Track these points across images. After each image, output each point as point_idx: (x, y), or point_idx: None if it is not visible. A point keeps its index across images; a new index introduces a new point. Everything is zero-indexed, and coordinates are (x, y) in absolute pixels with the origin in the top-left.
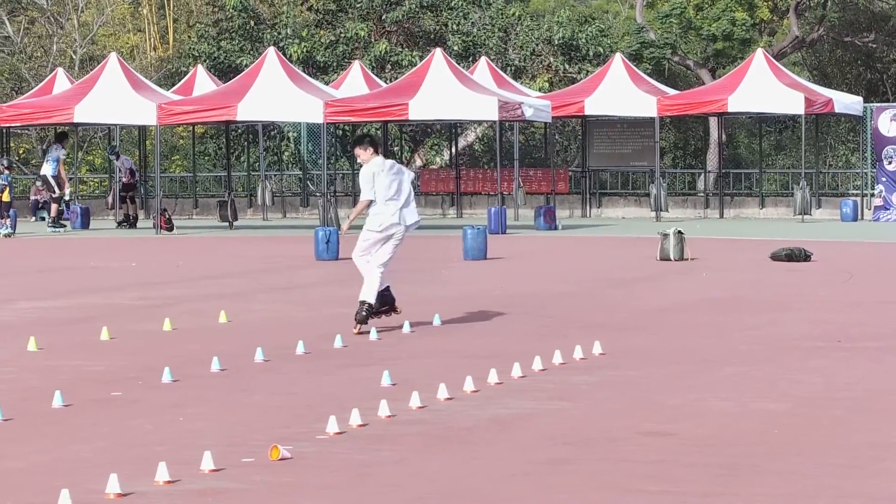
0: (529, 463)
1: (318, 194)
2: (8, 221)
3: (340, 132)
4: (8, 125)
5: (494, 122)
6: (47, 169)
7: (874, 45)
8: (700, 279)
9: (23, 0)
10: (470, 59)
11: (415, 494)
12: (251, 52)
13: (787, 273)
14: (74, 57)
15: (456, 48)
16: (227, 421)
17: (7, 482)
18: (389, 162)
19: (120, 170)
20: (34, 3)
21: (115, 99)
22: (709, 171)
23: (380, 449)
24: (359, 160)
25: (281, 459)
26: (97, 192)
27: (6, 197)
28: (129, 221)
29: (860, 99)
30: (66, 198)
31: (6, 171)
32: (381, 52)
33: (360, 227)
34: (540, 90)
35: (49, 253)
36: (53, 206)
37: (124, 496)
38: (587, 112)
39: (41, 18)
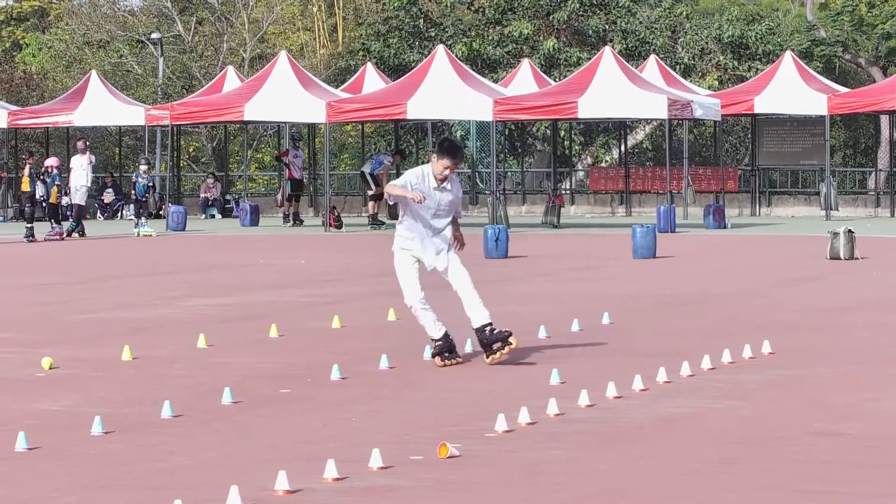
0: (698, 462)
1: (487, 192)
2: (143, 220)
3: (508, 130)
4: (178, 123)
5: (664, 120)
6: (367, 167)
7: None
8: (870, 278)
9: None
10: (638, 57)
11: (583, 493)
12: (420, 50)
13: None
14: (244, 55)
15: (623, 46)
16: (395, 418)
17: (178, 478)
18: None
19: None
20: (204, 2)
21: (285, 97)
22: (880, 170)
23: (548, 447)
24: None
25: (449, 457)
26: (266, 189)
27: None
28: (298, 219)
29: None
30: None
31: (146, 172)
32: (548, 49)
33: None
34: (709, 88)
35: (219, 250)
36: (371, 204)
37: (293, 493)
38: (757, 110)
39: (211, 17)
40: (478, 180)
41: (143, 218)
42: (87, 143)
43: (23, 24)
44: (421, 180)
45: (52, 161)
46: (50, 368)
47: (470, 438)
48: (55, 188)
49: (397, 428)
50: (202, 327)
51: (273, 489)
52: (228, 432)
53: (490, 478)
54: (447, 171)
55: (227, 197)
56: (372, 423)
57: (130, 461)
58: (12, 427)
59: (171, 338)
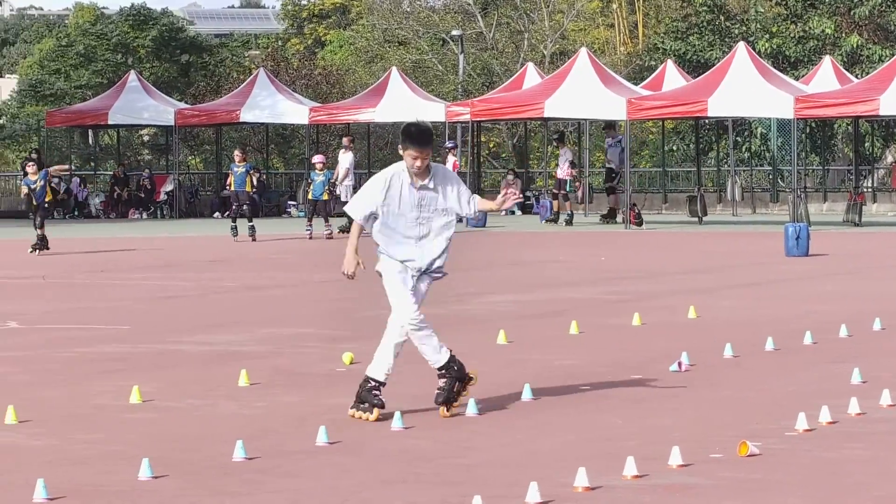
0: None
1: (788, 190)
2: None
3: (809, 128)
4: (479, 119)
5: None
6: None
7: None
8: None
9: None
10: None
11: (886, 493)
12: (720, 47)
13: None
14: (544, 52)
15: None
16: (695, 416)
17: (477, 474)
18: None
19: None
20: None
21: (585, 94)
22: None
23: (850, 447)
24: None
25: (750, 456)
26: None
27: None
28: (611, 217)
29: None
30: None
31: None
32: (852, 46)
33: None
34: None
35: (520, 247)
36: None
37: (592, 490)
38: None
39: (513, 14)
40: (778, 178)
41: None
42: (352, 140)
43: (324, 21)
44: (385, 188)
45: (318, 158)
46: (350, 363)
47: (770, 437)
48: (312, 185)
49: (697, 426)
50: (501, 323)
51: (572, 485)
52: (528, 429)
53: (790, 477)
54: (418, 163)
55: (528, 193)
56: (671, 421)
57: (430, 457)
58: (314, 421)
59: (470, 334)
